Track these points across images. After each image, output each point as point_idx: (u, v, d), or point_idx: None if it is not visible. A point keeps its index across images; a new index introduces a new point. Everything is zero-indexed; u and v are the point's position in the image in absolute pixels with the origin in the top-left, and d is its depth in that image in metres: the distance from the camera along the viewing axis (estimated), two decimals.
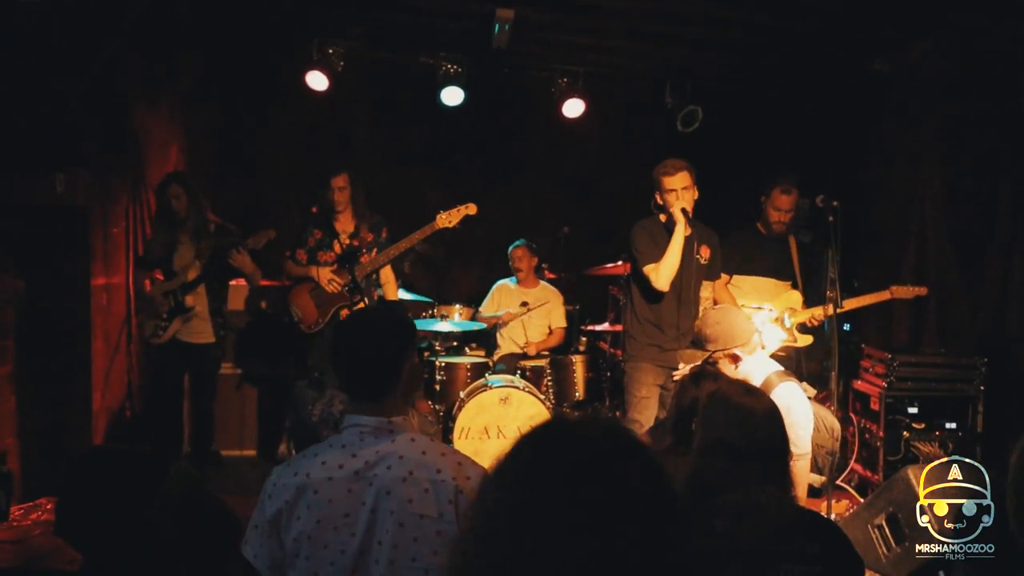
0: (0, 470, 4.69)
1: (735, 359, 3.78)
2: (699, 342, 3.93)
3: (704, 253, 5.19)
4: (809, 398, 3.77)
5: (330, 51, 6.73)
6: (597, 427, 1.20)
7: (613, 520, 1.07)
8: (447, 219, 5.59)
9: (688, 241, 5.04)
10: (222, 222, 5.71)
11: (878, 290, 5.72)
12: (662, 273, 4.95)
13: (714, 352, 3.84)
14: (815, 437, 3.64)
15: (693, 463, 2.38)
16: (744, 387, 2.58)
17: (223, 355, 6.14)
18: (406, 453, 2.16)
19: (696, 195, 5.07)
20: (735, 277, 5.82)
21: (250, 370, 6.61)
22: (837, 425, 3.76)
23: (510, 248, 7.10)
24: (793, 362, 6.16)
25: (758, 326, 4.58)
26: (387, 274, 5.94)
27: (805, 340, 5.78)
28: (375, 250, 5.72)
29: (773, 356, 5.73)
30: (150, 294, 5.55)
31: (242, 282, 6.05)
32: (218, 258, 5.50)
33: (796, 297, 5.84)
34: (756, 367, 3.81)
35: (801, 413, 3.56)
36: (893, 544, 4.46)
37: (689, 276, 5.04)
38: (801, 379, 6.29)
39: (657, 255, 4.99)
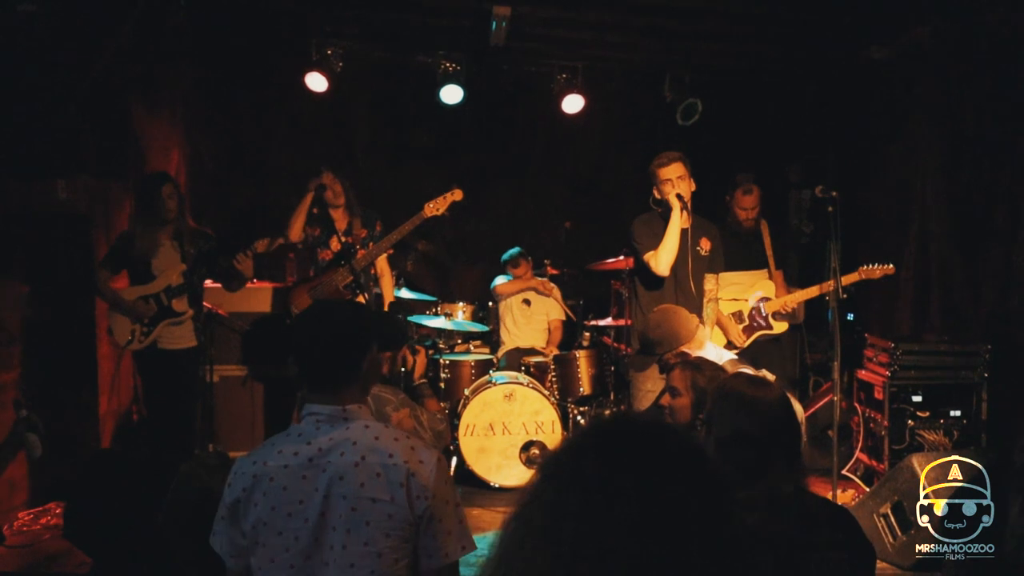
0: (19, 414, 4.61)
1: (684, 357, 3.79)
2: (647, 348, 3.95)
3: (704, 245, 5.21)
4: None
5: (328, 52, 6.74)
6: (664, 429, 1.19)
7: (679, 521, 1.06)
8: (434, 207, 5.60)
9: (688, 233, 5.06)
10: (199, 226, 5.68)
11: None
12: (661, 258, 4.98)
13: (663, 355, 3.86)
14: None
15: (712, 458, 2.38)
16: (748, 378, 2.58)
17: (203, 358, 6.07)
18: (359, 439, 2.19)
19: (693, 187, 5.09)
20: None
21: (256, 371, 6.62)
22: (800, 410, 3.74)
23: (504, 261, 7.13)
24: (789, 350, 6.20)
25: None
26: (383, 265, 5.98)
27: (781, 327, 5.96)
28: (371, 244, 5.74)
29: (759, 342, 5.93)
30: (123, 297, 5.24)
31: (214, 284, 5.95)
32: (201, 262, 5.39)
33: (769, 285, 6.03)
34: (708, 359, 3.80)
35: None
36: (899, 532, 4.48)
37: (690, 268, 5.06)
38: (805, 368, 6.33)
39: (656, 244, 5.03)
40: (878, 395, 5.78)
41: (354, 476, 2.13)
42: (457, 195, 5.64)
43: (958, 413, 5.66)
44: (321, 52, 6.72)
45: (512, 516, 1.16)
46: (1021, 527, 2.00)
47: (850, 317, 6.89)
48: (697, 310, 5.04)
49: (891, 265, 5.82)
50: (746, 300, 5.95)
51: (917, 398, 5.70)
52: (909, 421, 5.65)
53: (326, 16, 6.53)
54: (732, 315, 5.92)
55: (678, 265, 5.06)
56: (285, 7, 6.40)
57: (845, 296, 5.40)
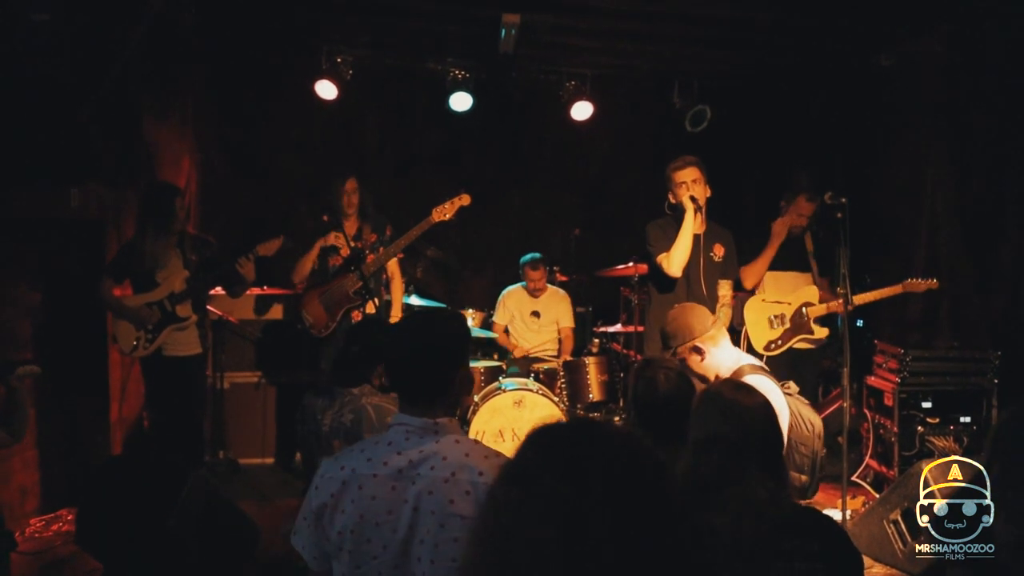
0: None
1: (698, 352, 3.79)
2: (663, 341, 3.96)
3: (718, 251, 5.22)
4: (789, 395, 3.74)
5: (339, 60, 6.78)
6: (607, 428, 1.21)
7: (627, 519, 1.08)
8: (442, 212, 5.63)
9: (701, 238, 5.09)
10: (200, 234, 5.71)
11: (891, 284, 5.72)
12: (673, 258, 5.03)
13: (677, 348, 3.87)
14: (794, 434, 3.61)
15: (689, 459, 2.38)
16: (735, 384, 2.60)
17: (206, 365, 6.09)
18: (450, 454, 2.16)
19: (708, 192, 5.14)
20: None
21: (267, 378, 6.64)
22: (819, 423, 3.72)
23: (523, 263, 7.08)
24: (815, 357, 6.15)
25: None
26: (393, 270, 6.05)
27: (822, 332, 5.83)
28: (381, 248, 5.77)
29: (798, 347, 5.83)
30: (126, 304, 5.27)
31: (222, 291, 5.97)
32: (204, 269, 5.39)
33: (813, 291, 5.89)
34: (724, 359, 3.79)
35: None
36: (909, 539, 4.46)
37: (702, 272, 5.08)
38: (817, 375, 6.29)
39: (669, 246, 5.06)
40: (888, 401, 5.77)
41: (444, 492, 2.10)
42: (465, 200, 5.66)
43: (968, 419, 5.65)
44: (331, 60, 6.75)
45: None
46: (1005, 535, 2.00)
47: (860, 323, 6.87)
48: None
49: (935, 280, 5.64)
50: (789, 303, 5.89)
51: (927, 404, 5.69)
52: (919, 427, 5.64)
53: (337, 24, 6.56)
54: (775, 317, 5.85)
55: (690, 268, 5.09)
56: (296, 16, 6.44)
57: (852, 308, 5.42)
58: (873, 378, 6.02)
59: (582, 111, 7.21)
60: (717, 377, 3.76)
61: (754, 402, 2.41)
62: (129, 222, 5.69)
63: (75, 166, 5.30)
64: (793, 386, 3.82)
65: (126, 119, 5.82)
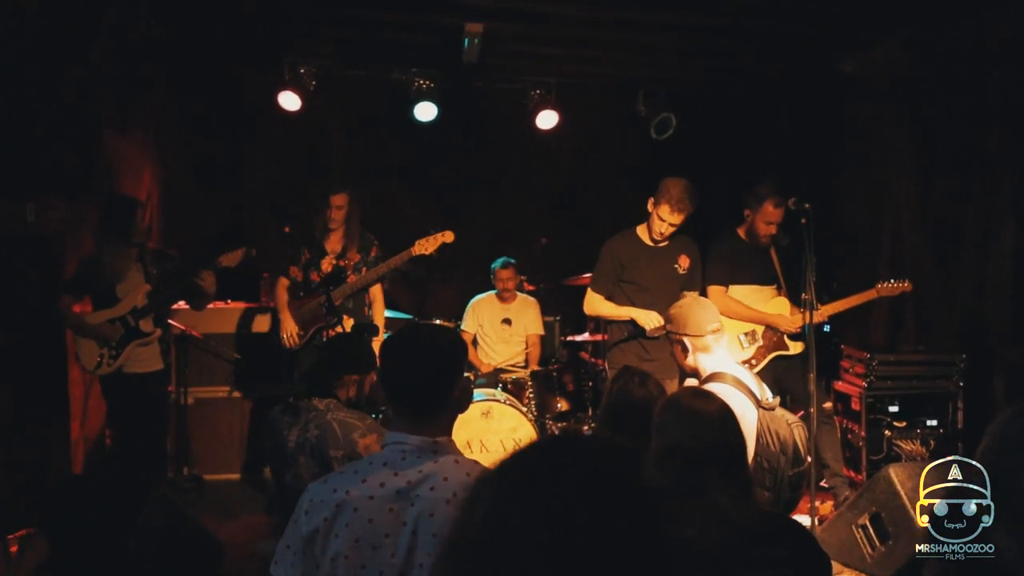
0: None
1: (684, 348, 3.80)
2: (665, 320, 4.02)
3: (683, 262, 5.23)
4: (771, 410, 3.71)
5: (302, 71, 6.72)
6: (595, 443, 1.17)
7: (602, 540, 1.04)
8: (424, 246, 5.61)
9: (663, 252, 5.12)
10: (161, 247, 5.64)
11: (861, 290, 5.58)
12: (595, 308, 5.36)
13: (669, 332, 3.89)
14: (761, 450, 3.58)
15: (651, 470, 2.36)
16: (693, 391, 2.60)
17: (169, 380, 6.02)
18: (451, 474, 2.10)
19: (681, 218, 5.16)
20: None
21: (233, 393, 6.56)
22: (791, 440, 3.68)
23: (495, 267, 7.03)
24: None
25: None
26: (376, 292, 5.95)
27: (797, 347, 5.60)
28: (364, 269, 5.71)
29: (781, 362, 5.63)
30: (87, 322, 5.18)
31: (185, 306, 5.90)
32: (166, 283, 5.32)
33: (784, 304, 5.69)
34: (709, 365, 3.79)
35: None
36: (877, 543, 4.48)
37: (666, 285, 5.10)
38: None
39: (604, 286, 5.22)
40: (855, 406, 5.80)
41: (445, 513, 2.04)
42: (448, 237, 5.67)
43: (935, 422, 5.69)
44: (294, 71, 6.69)
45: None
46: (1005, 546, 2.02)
47: (826, 328, 6.91)
48: None
49: (908, 282, 5.51)
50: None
51: (894, 408, 5.73)
52: (886, 431, 5.67)
53: (299, 35, 6.52)
54: (747, 334, 5.60)
55: (653, 279, 5.10)
56: (258, 27, 6.38)
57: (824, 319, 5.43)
58: (840, 383, 6.05)
59: (547, 120, 7.19)
60: (698, 373, 3.80)
61: (710, 408, 2.41)
62: (88, 237, 5.61)
63: (31, 180, 5.21)
64: (776, 400, 3.78)
65: (85, 133, 5.74)
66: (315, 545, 2.07)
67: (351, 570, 2.04)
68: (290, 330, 5.66)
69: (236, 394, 6.59)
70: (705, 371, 3.76)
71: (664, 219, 5.08)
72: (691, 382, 3.87)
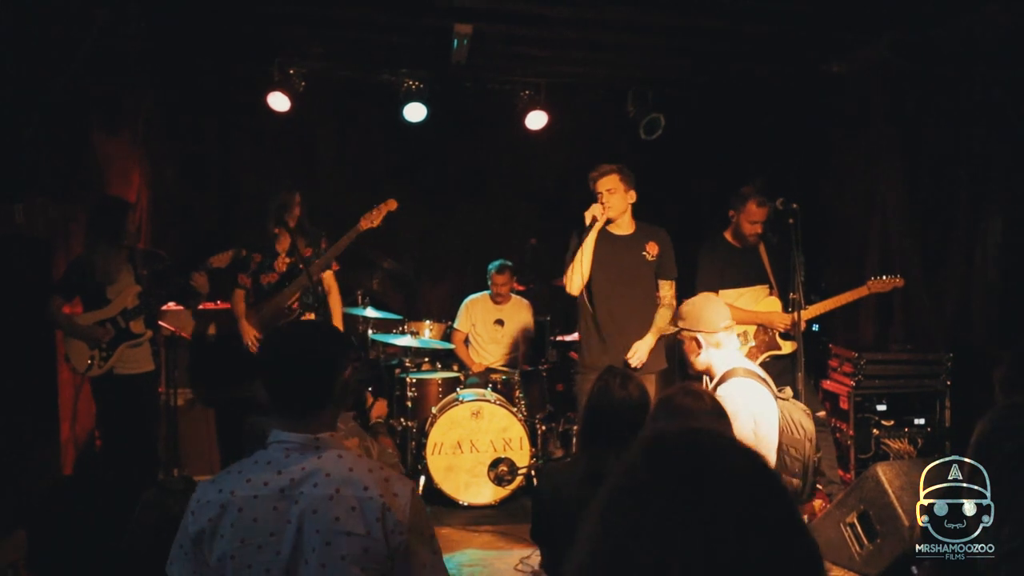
0: None
1: (697, 344, 3.83)
2: (675, 317, 4.02)
3: (651, 249, 5.19)
4: (784, 399, 3.77)
5: (291, 71, 6.72)
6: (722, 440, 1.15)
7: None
8: (370, 219, 5.65)
9: (628, 241, 5.16)
10: (150, 248, 5.63)
11: (852, 287, 5.60)
12: (571, 279, 5.12)
13: (681, 329, 3.90)
14: (784, 437, 3.64)
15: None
16: (685, 389, 2.62)
17: (159, 382, 6.00)
18: (333, 470, 2.11)
19: (632, 199, 5.18)
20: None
21: (220, 394, 6.55)
22: (811, 428, 3.75)
23: (491, 269, 7.02)
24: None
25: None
26: (330, 283, 5.96)
27: (789, 347, 5.59)
28: (315, 262, 5.73)
29: (775, 362, 5.61)
30: (78, 323, 5.18)
31: (174, 307, 5.89)
32: (156, 284, 5.31)
33: (775, 304, 5.68)
34: (718, 362, 3.82)
35: (741, 404, 3.50)
36: (865, 541, 4.51)
37: (634, 275, 5.10)
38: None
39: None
40: (843, 405, 5.83)
41: (328, 509, 2.05)
42: (391, 205, 5.71)
43: (922, 421, 5.72)
44: (284, 72, 6.69)
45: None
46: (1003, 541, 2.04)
47: (815, 328, 6.94)
48: (647, 316, 5.08)
49: (900, 278, 5.55)
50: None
51: (882, 407, 5.75)
52: (874, 430, 5.70)
53: (289, 36, 6.51)
54: (738, 336, 5.34)
55: (620, 271, 5.10)
56: (248, 28, 6.37)
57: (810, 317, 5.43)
58: (828, 382, 6.08)
59: (537, 120, 7.21)
60: (708, 372, 3.84)
61: (701, 406, 2.43)
62: (78, 238, 5.60)
63: (20, 182, 5.19)
64: (788, 391, 3.84)
65: (74, 134, 5.73)
66: (202, 545, 2.08)
67: (238, 570, 2.05)
68: (251, 336, 5.71)
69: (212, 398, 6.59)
70: (718, 369, 3.80)
71: (599, 190, 5.12)
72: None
